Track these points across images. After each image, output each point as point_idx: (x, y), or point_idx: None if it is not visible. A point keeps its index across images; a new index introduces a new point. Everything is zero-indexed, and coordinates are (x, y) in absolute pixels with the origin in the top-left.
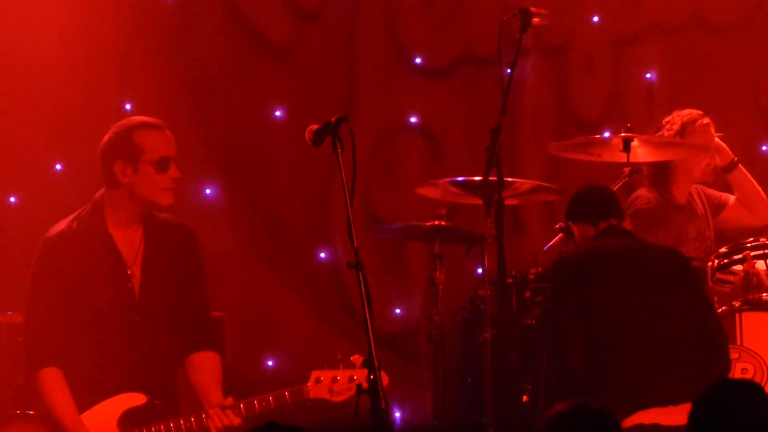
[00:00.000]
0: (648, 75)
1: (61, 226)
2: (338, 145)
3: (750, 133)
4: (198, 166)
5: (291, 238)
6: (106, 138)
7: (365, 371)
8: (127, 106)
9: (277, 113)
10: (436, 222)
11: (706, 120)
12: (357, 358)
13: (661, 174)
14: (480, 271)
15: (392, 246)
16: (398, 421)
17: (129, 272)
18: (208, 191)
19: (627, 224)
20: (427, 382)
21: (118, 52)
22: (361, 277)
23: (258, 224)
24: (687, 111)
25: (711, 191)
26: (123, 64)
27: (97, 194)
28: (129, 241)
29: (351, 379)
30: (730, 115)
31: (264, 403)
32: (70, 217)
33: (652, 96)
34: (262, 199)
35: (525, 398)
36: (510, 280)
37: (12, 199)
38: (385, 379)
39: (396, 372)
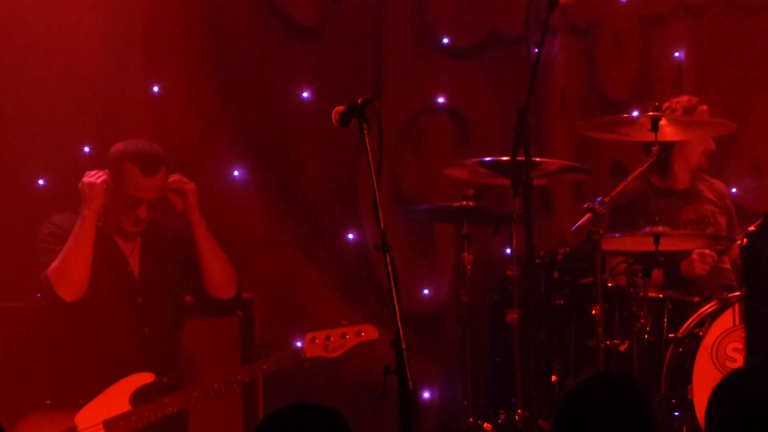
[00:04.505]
0: (676, 54)
1: (64, 213)
2: (365, 126)
3: None
4: (225, 148)
5: (319, 219)
6: (120, 144)
7: (356, 327)
8: (155, 88)
9: (305, 94)
10: (464, 203)
11: (704, 107)
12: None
13: (660, 160)
14: (508, 251)
15: (420, 227)
16: (427, 401)
17: (127, 255)
18: (236, 173)
19: None
20: (455, 363)
21: (145, 34)
22: (388, 258)
23: (286, 206)
24: (686, 97)
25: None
26: (150, 46)
27: None
28: None
29: (343, 336)
30: (759, 93)
31: (264, 367)
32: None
33: (680, 75)
34: (289, 180)
35: (554, 378)
36: (538, 261)
37: (41, 182)
38: (374, 332)
39: (424, 353)
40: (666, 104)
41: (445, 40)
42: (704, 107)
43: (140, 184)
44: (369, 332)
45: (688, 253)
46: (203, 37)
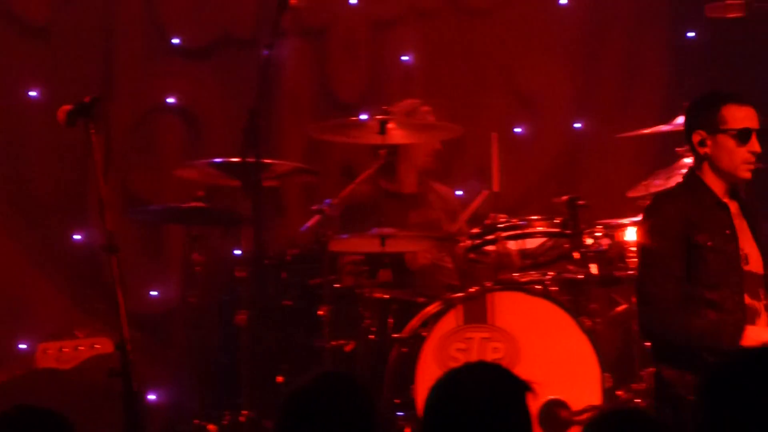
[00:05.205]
0: (405, 58)
1: None
2: (92, 126)
3: (503, 116)
4: None
5: (46, 221)
6: None
7: (91, 340)
8: None
9: (33, 93)
10: (194, 204)
11: (426, 108)
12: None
13: (387, 163)
14: (238, 252)
15: (150, 228)
16: (153, 403)
17: None
18: None
19: None
20: (183, 365)
21: None
22: (114, 260)
23: (12, 207)
24: (408, 101)
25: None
26: None
27: None
28: None
29: (76, 348)
30: (485, 97)
31: None
32: None
33: (408, 79)
34: (15, 181)
35: (280, 379)
36: (267, 262)
37: None
38: (109, 345)
39: (152, 354)
40: (393, 108)
41: (176, 41)
42: (425, 108)
43: None
44: (104, 345)
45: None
46: None
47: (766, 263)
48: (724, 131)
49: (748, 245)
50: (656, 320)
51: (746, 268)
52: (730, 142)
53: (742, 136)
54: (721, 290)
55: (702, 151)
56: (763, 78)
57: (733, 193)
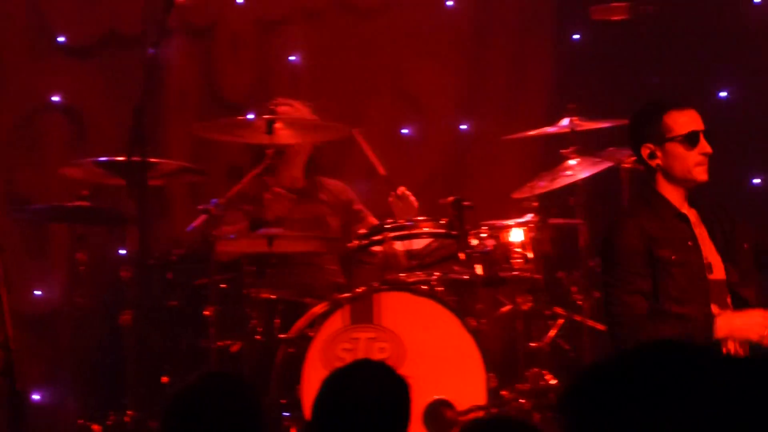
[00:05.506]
0: (292, 57)
1: None
2: None
3: (391, 117)
4: None
5: None
6: None
7: None
8: None
9: None
10: (79, 203)
11: (305, 108)
12: None
13: (274, 162)
14: (123, 252)
15: (34, 227)
16: (36, 403)
17: None
18: None
19: None
20: (67, 364)
21: None
22: None
23: None
24: (287, 99)
25: (357, 206)
26: None
27: None
28: None
29: None
30: (373, 98)
31: None
32: None
33: (295, 79)
34: None
35: (165, 379)
36: (153, 262)
37: None
38: None
39: (36, 354)
40: (279, 108)
41: (62, 39)
42: (305, 108)
43: None
44: None
45: (302, 255)
46: None
47: (728, 269)
48: (671, 139)
49: (710, 254)
50: (630, 339)
51: (711, 277)
52: (679, 149)
53: (690, 139)
54: (688, 304)
55: (653, 163)
56: (647, 80)
57: (691, 201)
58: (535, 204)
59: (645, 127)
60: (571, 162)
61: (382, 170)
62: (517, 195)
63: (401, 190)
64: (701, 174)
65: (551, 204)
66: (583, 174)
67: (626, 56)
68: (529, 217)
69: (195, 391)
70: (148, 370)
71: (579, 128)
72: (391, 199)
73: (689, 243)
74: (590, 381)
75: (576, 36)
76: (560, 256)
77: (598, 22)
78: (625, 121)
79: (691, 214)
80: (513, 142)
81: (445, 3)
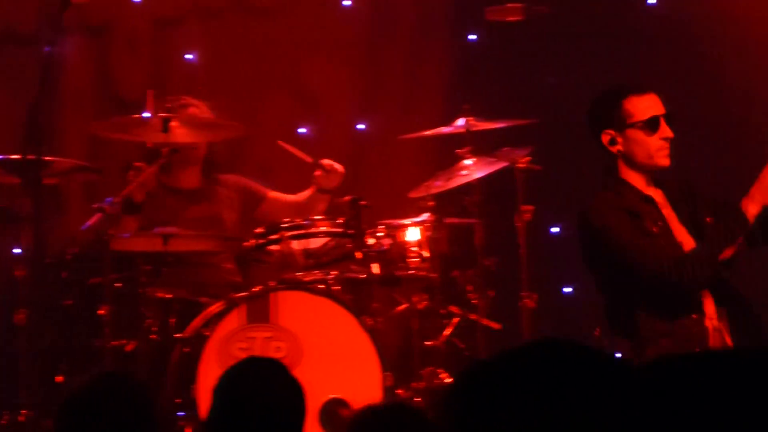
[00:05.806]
0: (189, 56)
1: None
2: None
3: (288, 116)
4: None
5: None
6: None
7: None
8: None
9: None
10: None
11: (194, 109)
12: None
13: (169, 161)
14: (17, 251)
15: None
16: None
17: None
18: None
19: None
20: None
21: None
22: None
23: None
24: (180, 97)
25: (253, 185)
26: None
27: None
28: None
29: None
30: (270, 97)
31: None
32: None
33: (192, 78)
34: None
35: (60, 378)
36: (47, 261)
37: None
38: None
39: None
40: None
41: None
42: (193, 110)
43: None
44: None
45: (197, 254)
46: None
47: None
48: (632, 125)
49: (679, 233)
50: (686, 274)
51: None
52: (639, 134)
53: (651, 124)
54: None
55: (614, 149)
56: (543, 81)
57: (656, 182)
58: (432, 203)
59: (604, 113)
60: (467, 162)
61: (308, 158)
62: (413, 194)
63: (327, 162)
64: (663, 159)
65: (447, 203)
66: (479, 174)
67: (522, 57)
68: (425, 216)
69: (88, 391)
70: (43, 369)
71: (474, 128)
72: (317, 172)
73: (659, 223)
74: (468, 380)
75: (472, 36)
76: (456, 255)
77: (494, 22)
78: (520, 122)
79: (657, 195)
80: (409, 141)
81: (341, 3)
